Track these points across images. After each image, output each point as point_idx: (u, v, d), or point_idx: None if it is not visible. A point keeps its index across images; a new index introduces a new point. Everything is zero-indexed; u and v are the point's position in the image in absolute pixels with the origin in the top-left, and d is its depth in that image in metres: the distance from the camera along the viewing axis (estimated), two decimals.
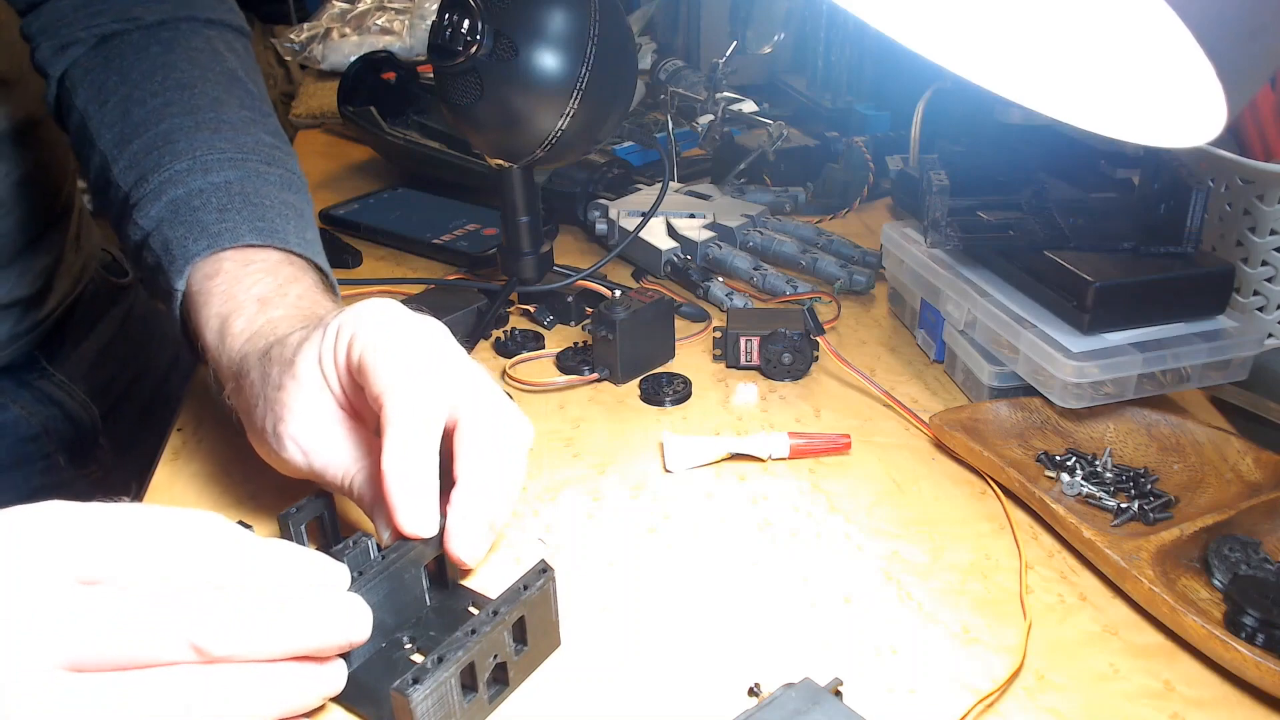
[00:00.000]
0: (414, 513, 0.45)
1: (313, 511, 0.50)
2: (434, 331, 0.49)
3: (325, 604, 0.39)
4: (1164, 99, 0.40)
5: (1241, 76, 0.34)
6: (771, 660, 0.46)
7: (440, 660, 0.39)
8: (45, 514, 0.37)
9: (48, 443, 0.80)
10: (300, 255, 0.59)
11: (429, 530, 0.46)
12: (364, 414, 0.50)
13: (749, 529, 0.55)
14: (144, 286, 0.63)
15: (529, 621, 0.44)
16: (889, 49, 0.55)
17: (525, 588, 0.43)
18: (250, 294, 0.55)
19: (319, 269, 0.60)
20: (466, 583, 0.51)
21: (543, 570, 0.44)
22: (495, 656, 0.42)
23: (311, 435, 0.49)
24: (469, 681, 0.41)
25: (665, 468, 0.60)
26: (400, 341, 0.46)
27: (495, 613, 0.42)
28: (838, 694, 0.42)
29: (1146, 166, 0.67)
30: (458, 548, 0.46)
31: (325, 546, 0.51)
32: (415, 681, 0.38)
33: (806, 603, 0.50)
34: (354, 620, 0.40)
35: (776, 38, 1.19)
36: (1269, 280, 0.68)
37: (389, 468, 0.44)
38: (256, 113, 0.67)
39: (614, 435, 0.64)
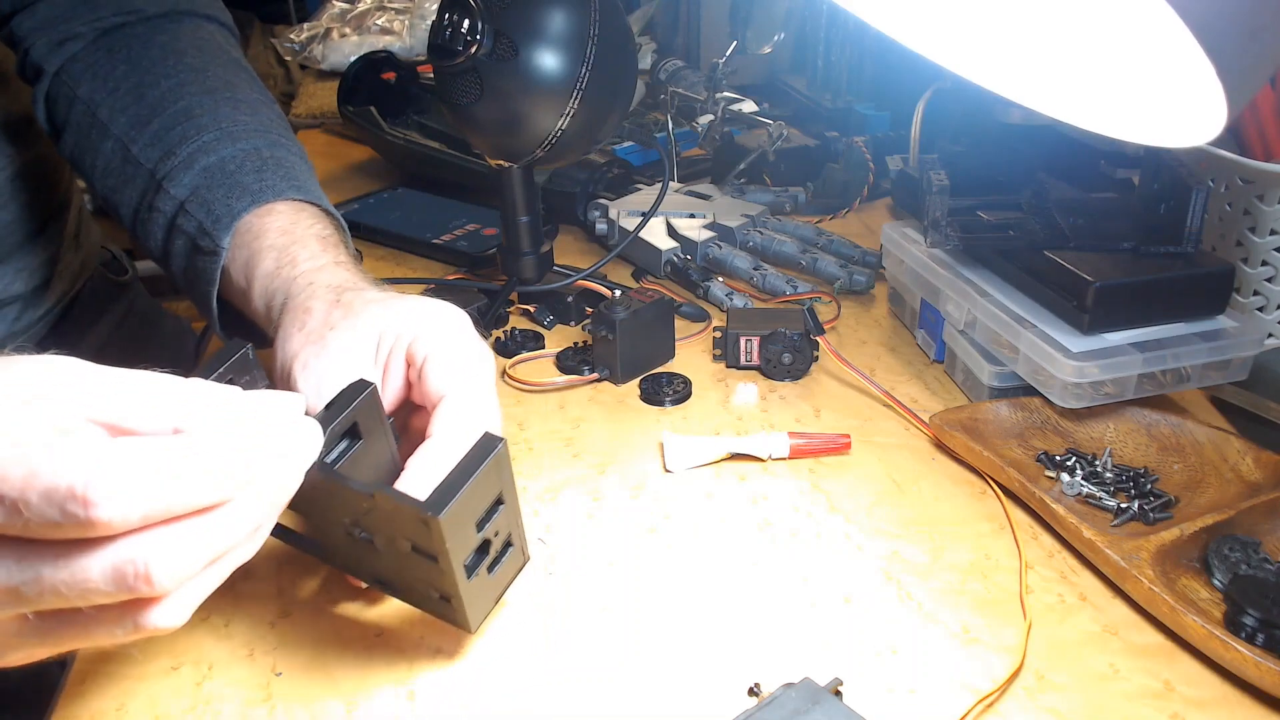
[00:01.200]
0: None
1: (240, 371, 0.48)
2: (483, 347, 0.52)
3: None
4: (1164, 99, 0.40)
5: (1241, 76, 0.34)
6: (771, 660, 0.46)
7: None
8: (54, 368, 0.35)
9: None
10: (331, 215, 0.62)
11: None
12: (393, 397, 0.51)
13: (749, 529, 0.55)
14: (169, 264, 0.64)
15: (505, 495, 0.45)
16: (889, 49, 0.55)
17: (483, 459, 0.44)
18: (309, 231, 0.58)
19: (345, 231, 0.63)
20: None
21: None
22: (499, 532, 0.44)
23: (337, 381, 0.48)
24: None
25: (665, 468, 0.60)
26: (465, 360, 0.49)
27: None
28: (838, 694, 0.42)
29: (1146, 166, 0.67)
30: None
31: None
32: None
33: (806, 603, 0.50)
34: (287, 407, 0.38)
35: (776, 38, 1.19)
36: (1269, 280, 0.68)
37: (418, 462, 0.46)
38: (264, 95, 0.69)
39: (614, 435, 0.64)
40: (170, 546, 0.32)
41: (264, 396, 0.39)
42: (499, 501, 0.44)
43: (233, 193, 0.59)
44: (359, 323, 0.51)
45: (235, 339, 0.46)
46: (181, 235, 0.61)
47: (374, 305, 0.51)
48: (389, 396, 0.51)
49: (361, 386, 0.44)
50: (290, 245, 0.57)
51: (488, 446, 0.43)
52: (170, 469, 0.32)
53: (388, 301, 0.52)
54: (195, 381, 0.38)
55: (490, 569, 0.45)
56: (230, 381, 0.44)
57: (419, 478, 0.45)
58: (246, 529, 0.35)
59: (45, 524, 0.30)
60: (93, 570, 0.31)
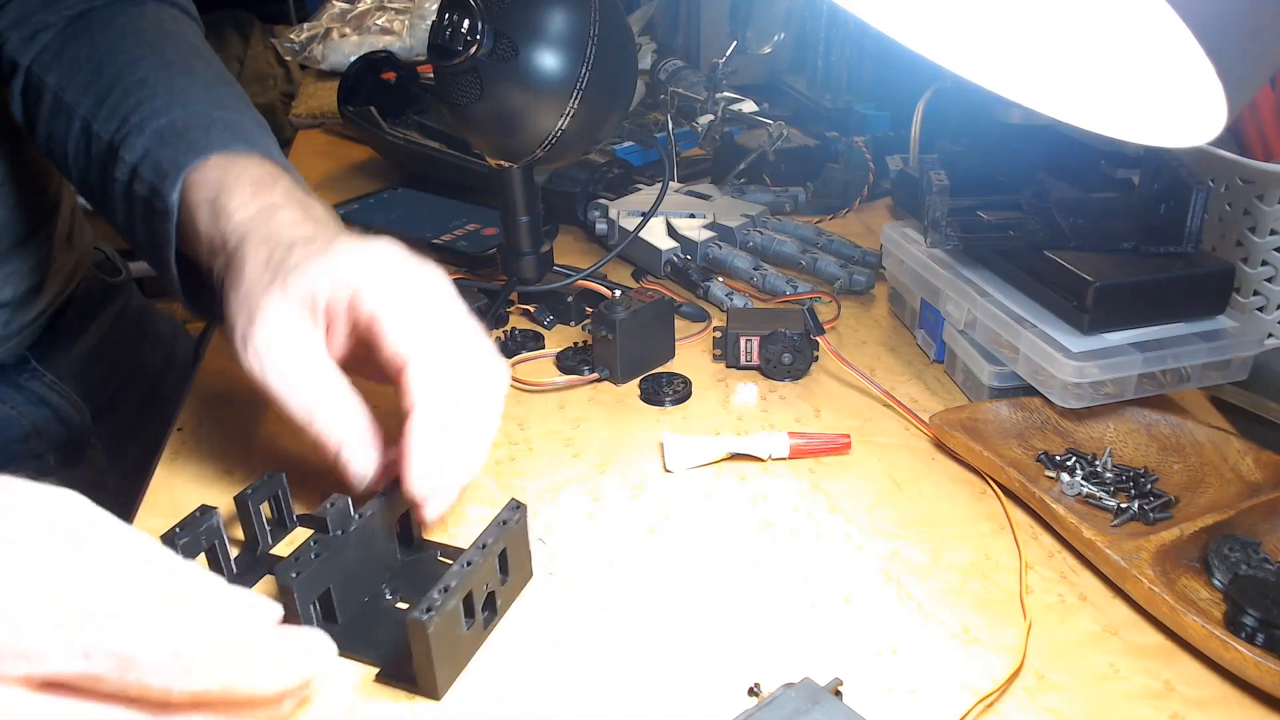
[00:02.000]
0: (432, 489, 0.48)
1: (268, 491, 0.53)
2: (438, 286, 0.50)
3: (309, 643, 0.39)
4: (1164, 99, 0.40)
5: (1241, 76, 0.34)
6: (771, 660, 0.46)
7: (446, 590, 0.43)
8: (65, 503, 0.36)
9: (39, 443, 0.80)
10: (280, 165, 0.60)
11: (443, 506, 0.49)
12: (347, 359, 0.50)
13: (749, 529, 0.55)
14: (134, 238, 0.63)
15: (509, 553, 0.48)
16: (889, 49, 0.55)
17: (505, 522, 0.48)
18: (243, 178, 0.56)
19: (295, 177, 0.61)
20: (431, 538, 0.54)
21: (516, 506, 0.49)
22: (487, 585, 0.47)
23: (277, 348, 0.48)
24: (468, 610, 0.45)
25: (665, 468, 0.60)
26: (415, 306, 0.48)
27: (484, 546, 0.46)
28: (838, 694, 0.42)
29: (1146, 166, 0.66)
30: (416, 482, 0.47)
31: (280, 521, 0.54)
32: (429, 610, 0.42)
33: (806, 603, 0.50)
34: (323, 657, 0.40)
35: (776, 38, 1.19)
36: (1269, 280, 0.68)
37: (415, 445, 0.46)
38: (224, 74, 0.68)
39: (614, 435, 0.64)
40: None
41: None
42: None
43: (179, 149, 0.58)
44: (289, 285, 0.48)
45: (270, 472, 0.52)
46: (138, 202, 0.60)
47: (303, 265, 0.49)
48: (338, 356, 0.50)
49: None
50: (220, 194, 0.55)
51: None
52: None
53: (315, 256, 0.49)
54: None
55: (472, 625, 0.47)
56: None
57: (417, 472, 0.46)
58: None
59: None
60: None
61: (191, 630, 0.35)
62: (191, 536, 0.48)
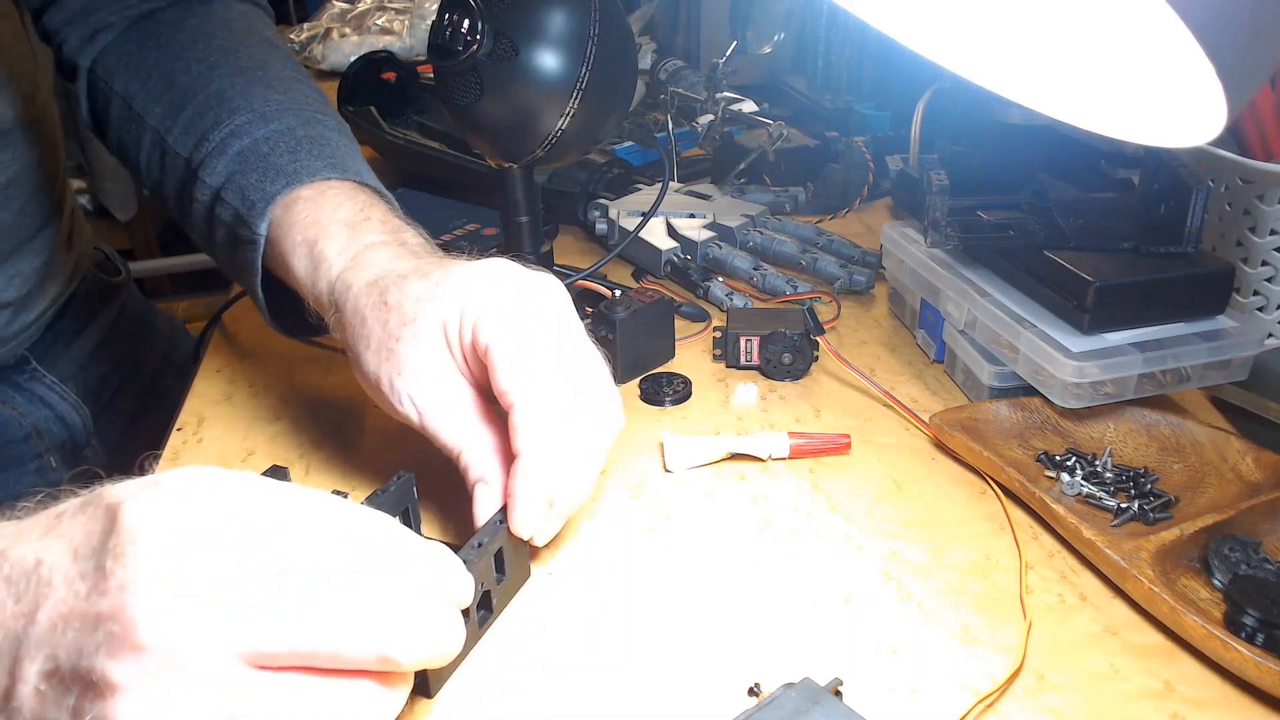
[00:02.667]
0: (534, 530, 0.48)
1: (399, 499, 0.52)
2: (552, 311, 0.49)
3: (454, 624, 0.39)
4: (1164, 99, 0.40)
5: (1241, 76, 0.34)
6: (771, 660, 0.46)
7: None
8: (229, 483, 0.36)
9: (39, 444, 0.80)
10: (370, 187, 0.60)
11: (545, 540, 0.50)
12: (483, 384, 0.50)
13: (749, 529, 0.55)
14: (217, 255, 0.62)
15: (506, 553, 0.48)
16: (889, 49, 0.55)
17: (501, 522, 0.48)
18: (335, 217, 0.55)
19: (388, 201, 0.61)
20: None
21: None
22: (482, 585, 0.46)
23: (427, 394, 0.49)
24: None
25: (665, 468, 0.60)
26: (526, 341, 0.47)
27: (479, 545, 0.46)
28: (838, 694, 0.42)
29: (1146, 166, 0.67)
30: (517, 524, 0.47)
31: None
32: None
33: (806, 603, 0.50)
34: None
35: (776, 38, 1.19)
36: (1269, 280, 0.68)
37: (519, 494, 0.47)
38: (298, 72, 0.67)
39: None
40: None
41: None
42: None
43: (266, 176, 0.57)
44: (420, 330, 0.48)
45: (401, 472, 0.51)
46: (221, 225, 0.60)
47: (424, 304, 0.49)
48: (475, 378, 0.51)
49: (405, 482, 0.49)
50: (319, 240, 0.54)
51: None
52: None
53: (434, 290, 0.49)
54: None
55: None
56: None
57: (524, 513, 0.47)
58: None
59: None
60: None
61: (388, 596, 0.35)
62: None
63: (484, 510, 0.49)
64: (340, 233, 0.54)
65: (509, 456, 0.48)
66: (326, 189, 0.57)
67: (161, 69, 0.64)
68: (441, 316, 0.48)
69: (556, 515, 0.49)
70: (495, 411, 0.51)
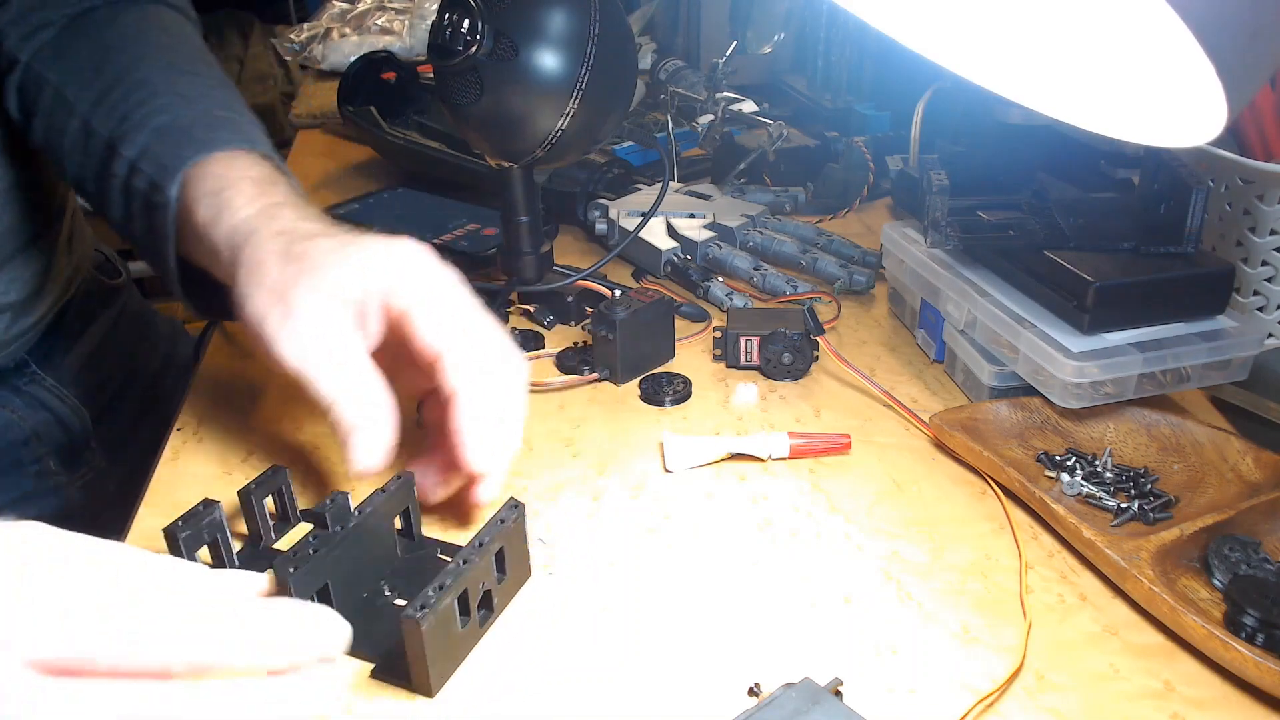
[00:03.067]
0: (490, 463, 0.50)
1: (271, 485, 0.53)
2: (459, 284, 0.52)
3: (306, 610, 0.39)
4: (1164, 99, 0.40)
5: (1241, 76, 0.34)
6: (771, 660, 0.46)
7: (440, 588, 0.43)
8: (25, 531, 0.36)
9: (39, 447, 0.80)
10: (281, 170, 0.61)
11: (498, 484, 0.52)
12: (375, 345, 0.52)
13: (749, 529, 0.55)
14: (131, 232, 0.64)
15: (507, 552, 0.48)
16: (889, 49, 0.55)
17: (502, 521, 0.48)
18: (245, 175, 0.57)
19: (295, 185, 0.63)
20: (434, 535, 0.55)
21: (515, 505, 0.49)
22: (483, 584, 0.47)
23: (312, 340, 0.50)
24: (463, 608, 0.46)
25: (665, 468, 0.60)
26: (443, 302, 0.50)
27: (480, 544, 0.46)
28: (838, 694, 0.42)
29: (1146, 166, 0.67)
30: (472, 454, 0.49)
31: (284, 516, 0.55)
32: (423, 608, 0.42)
33: (806, 603, 0.50)
34: (333, 628, 0.39)
35: (776, 38, 1.19)
36: (1269, 280, 0.68)
37: (467, 424, 0.49)
38: (224, 77, 0.69)
39: (614, 435, 0.64)
40: None
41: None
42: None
43: (180, 144, 0.59)
44: (322, 282, 0.50)
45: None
46: (137, 196, 0.60)
47: (330, 256, 0.50)
48: (371, 348, 0.52)
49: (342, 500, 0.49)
50: (224, 189, 0.56)
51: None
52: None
53: (343, 250, 0.51)
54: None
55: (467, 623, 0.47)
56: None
57: (479, 450, 0.48)
58: None
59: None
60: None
61: (171, 603, 0.35)
62: (194, 530, 0.49)
63: (360, 455, 0.49)
64: (249, 187, 0.56)
65: (399, 416, 0.50)
66: (238, 156, 0.59)
67: (94, 60, 0.66)
68: (346, 273, 0.50)
69: (504, 454, 0.51)
70: (380, 372, 0.52)
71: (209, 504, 0.50)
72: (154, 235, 0.60)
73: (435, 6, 0.73)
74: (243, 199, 0.55)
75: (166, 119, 0.61)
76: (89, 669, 0.34)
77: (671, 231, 0.85)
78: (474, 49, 0.62)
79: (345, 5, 1.58)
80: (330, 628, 0.39)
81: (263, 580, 0.41)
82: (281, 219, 0.54)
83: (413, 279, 0.50)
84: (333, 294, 0.50)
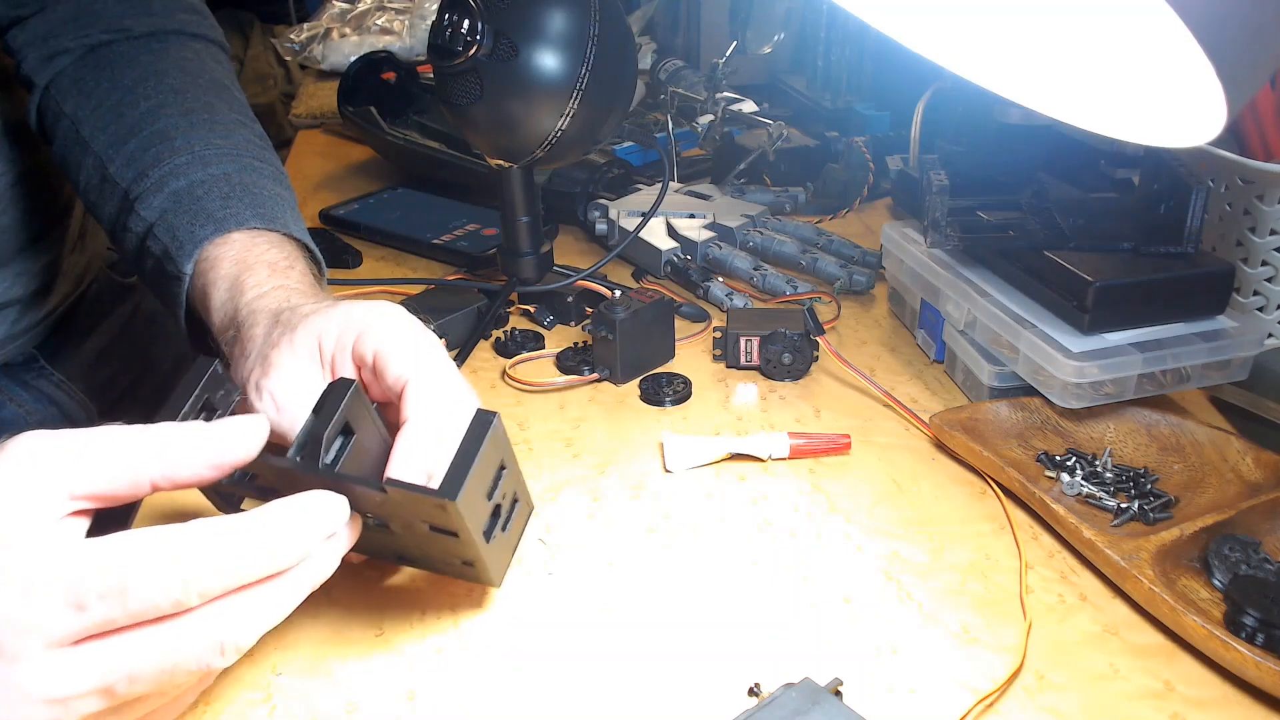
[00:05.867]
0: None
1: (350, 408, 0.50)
2: (427, 333, 0.52)
3: (296, 505, 0.40)
4: (1164, 99, 0.40)
5: (1241, 76, 0.34)
6: (771, 660, 0.46)
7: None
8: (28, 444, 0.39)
9: None
10: (297, 240, 0.62)
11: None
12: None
13: (749, 529, 0.55)
14: (144, 279, 0.66)
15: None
16: (889, 49, 0.55)
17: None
18: (261, 259, 0.58)
19: (313, 257, 0.63)
20: None
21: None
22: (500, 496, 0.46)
23: (287, 392, 0.50)
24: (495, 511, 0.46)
25: (665, 468, 0.60)
26: (412, 344, 0.50)
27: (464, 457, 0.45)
28: (838, 694, 0.42)
29: (1146, 166, 0.67)
30: (395, 468, 0.47)
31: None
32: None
33: (806, 603, 0.50)
34: (327, 509, 0.41)
35: (776, 38, 1.19)
36: (1269, 280, 0.68)
37: (406, 446, 0.47)
38: (245, 116, 0.69)
39: (614, 435, 0.64)
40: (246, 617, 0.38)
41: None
42: (502, 468, 0.46)
43: (197, 219, 0.60)
44: (296, 336, 0.51)
45: (202, 357, 0.48)
46: (150, 257, 0.62)
47: (310, 317, 0.51)
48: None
49: (344, 385, 0.45)
50: (240, 275, 0.57)
51: (484, 422, 0.44)
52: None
53: (322, 310, 0.52)
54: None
55: (504, 528, 0.47)
56: (206, 399, 0.47)
57: (408, 461, 0.46)
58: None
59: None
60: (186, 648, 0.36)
61: (175, 546, 0.36)
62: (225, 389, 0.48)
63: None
64: (260, 273, 0.57)
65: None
66: (255, 240, 0.60)
67: (111, 100, 0.66)
68: (319, 329, 0.51)
69: (430, 465, 0.49)
70: None
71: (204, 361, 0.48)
72: (164, 295, 0.61)
73: (435, 6, 0.73)
74: (253, 281, 0.56)
75: (183, 184, 0.62)
76: (111, 629, 0.36)
77: (671, 232, 0.85)
78: (474, 49, 0.62)
79: (345, 5, 1.58)
80: (324, 510, 0.41)
81: (261, 424, 0.41)
82: (281, 299, 0.55)
83: (382, 323, 0.51)
84: (307, 352, 0.50)
